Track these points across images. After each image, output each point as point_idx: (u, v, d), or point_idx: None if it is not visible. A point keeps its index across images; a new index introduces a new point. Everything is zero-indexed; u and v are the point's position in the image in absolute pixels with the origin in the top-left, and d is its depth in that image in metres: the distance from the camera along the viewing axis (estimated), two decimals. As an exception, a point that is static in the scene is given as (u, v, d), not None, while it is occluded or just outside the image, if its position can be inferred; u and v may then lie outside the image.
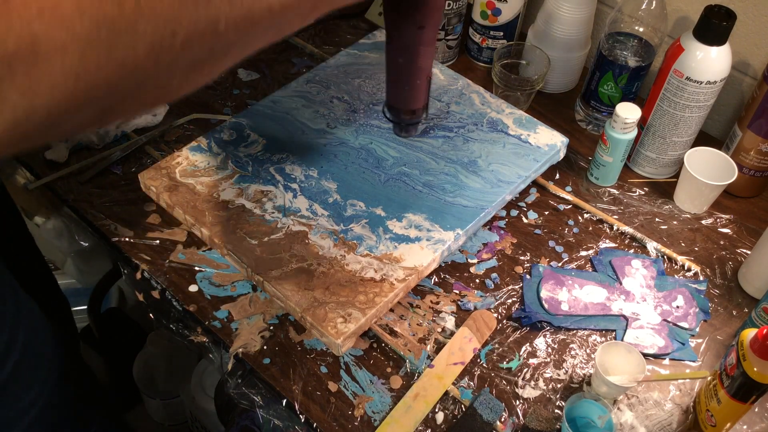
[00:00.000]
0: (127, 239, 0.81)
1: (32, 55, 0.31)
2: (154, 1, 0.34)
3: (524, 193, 0.90)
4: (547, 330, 0.77)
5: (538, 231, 0.86)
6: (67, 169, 0.88)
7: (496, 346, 0.76)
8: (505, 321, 0.78)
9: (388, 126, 0.90)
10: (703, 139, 0.96)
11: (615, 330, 0.77)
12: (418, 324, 0.76)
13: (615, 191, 0.92)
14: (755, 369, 0.61)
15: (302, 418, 0.69)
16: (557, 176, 0.93)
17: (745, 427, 0.71)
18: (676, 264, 0.84)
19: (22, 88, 0.32)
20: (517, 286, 0.81)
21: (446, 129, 0.90)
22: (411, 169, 0.85)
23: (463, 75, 0.98)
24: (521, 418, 0.70)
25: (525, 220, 0.88)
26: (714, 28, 0.80)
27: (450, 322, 0.76)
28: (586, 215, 0.89)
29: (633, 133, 0.87)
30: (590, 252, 0.85)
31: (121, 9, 0.33)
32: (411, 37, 0.65)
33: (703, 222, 0.89)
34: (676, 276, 0.83)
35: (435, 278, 0.80)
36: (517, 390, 0.72)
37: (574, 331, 0.77)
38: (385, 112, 0.76)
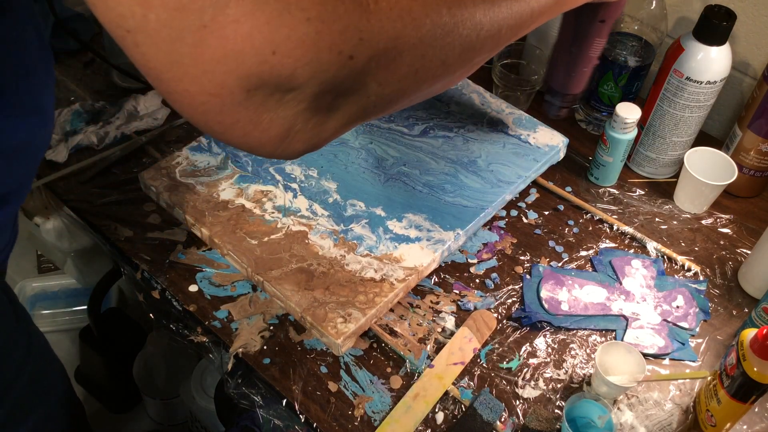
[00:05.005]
0: (127, 239, 0.81)
1: (393, 52, 0.36)
2: (468, 11, 0.41)
3: (524, 193, 0.90)
4: (547, 330, 0.77)
5: (538, 231, 0.86)
6: (67, 169, 0.88)
7: (496, 346, 0.76)
8: (505, 321, 0.78)
9: (388, 126, 0.90)
10: (703, 139, 0.96)
11: (615, 330, 0.77)
12: (418, 324, 0.76)
13: (615, 191, 0.92)
14: (755, 369, 0.61)
15: (302, 418, 0.69)
16: (557, 176, 0.93)
17: (745, 427, 0.71)
18: (676, 264, 0.84)
19: (380, 79, 0.37)
20: (517, 286, 0.81)
21: (446, 129, 0.90)
22: (411, 169, 0.85)
23: (463, 75, 0.98)
24: (521, 418, 0.70)
25: (525, 220, 0.88)
26: (714, 28, 0.80)
27: (450, 322, 0.76)
28: (586, 215, 0.89)
29: (633, 133, 0.87)
30: (590, 252, 0.85)
31: (451, 16, 0.40)
32: (590, 29, 0.68)
33: (703, 222, 0.89)
34: (676, 276, 0.83)
35: (435, 278, 0.80)
36: (517, 390, 0.72)
37: (574, 331, 0.77)
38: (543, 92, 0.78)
